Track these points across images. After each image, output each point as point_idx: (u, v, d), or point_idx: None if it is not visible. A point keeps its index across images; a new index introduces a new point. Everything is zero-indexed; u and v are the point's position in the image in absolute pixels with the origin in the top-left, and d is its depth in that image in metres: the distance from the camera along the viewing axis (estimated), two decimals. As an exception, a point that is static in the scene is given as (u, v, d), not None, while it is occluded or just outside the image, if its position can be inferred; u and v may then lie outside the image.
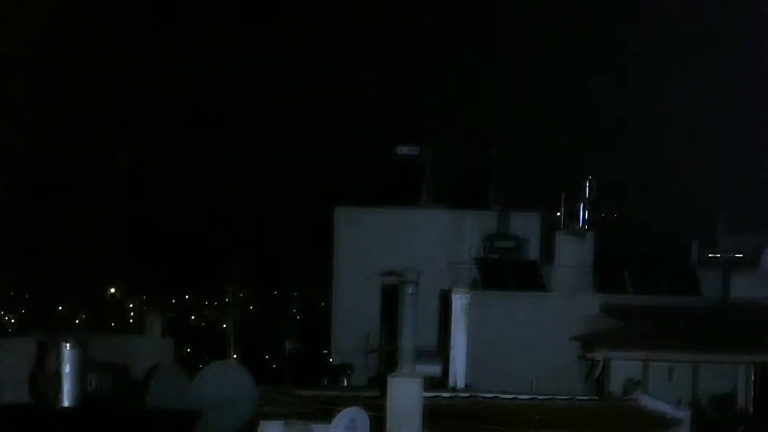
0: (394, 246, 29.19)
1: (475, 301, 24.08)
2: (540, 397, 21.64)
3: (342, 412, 18.48)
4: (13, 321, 70.04)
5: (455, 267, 29.36)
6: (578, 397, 22.20)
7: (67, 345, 19.16)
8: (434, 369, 23.44)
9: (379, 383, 19.91)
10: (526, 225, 30.71)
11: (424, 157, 31.77)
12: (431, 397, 20.08)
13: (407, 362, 19.07)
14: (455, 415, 20.26)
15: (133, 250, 73.02)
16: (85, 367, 19.48)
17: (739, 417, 24.96)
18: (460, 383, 23.25)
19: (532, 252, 30.36)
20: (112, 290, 71.18)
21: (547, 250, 29.90)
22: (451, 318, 23.76)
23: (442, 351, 24.33)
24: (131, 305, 67.33)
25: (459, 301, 23.55)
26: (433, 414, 19.13)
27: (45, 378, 19.38)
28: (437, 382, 22.94)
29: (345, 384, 27.91)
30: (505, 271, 29.06)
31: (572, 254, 28.95)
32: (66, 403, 19.03)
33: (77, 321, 66.26)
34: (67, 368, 19.06)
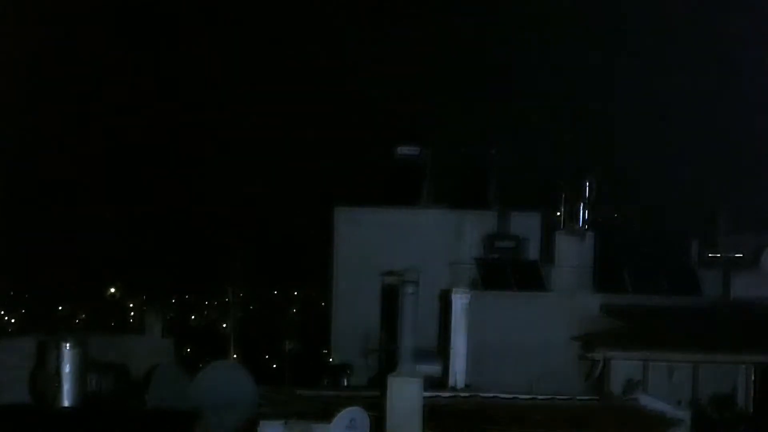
0: (394, 246, 29.19)
1: (475, 301, 24.09)
2: (540, 397, 21.66)
3: (342, 412, 18.49)
4: (13, 321, 70.03)
5: (455, 267, 29.35)
6: (578, 397, 22.21)
7: (67, 345, 19.19)
8: (434, 369, 23.46)
9: (379, 383, 19.92)
10: (526, 225, 30.70)
11: (424, 157, 31.76)
12: (431, 397, 20.09)
13: (407, 362, 19.09)
14: (455, 415, 20.27)
15: (133, 250, 73.02)
16: (85, 367, 19.50)
17: (739, 417, 24.96)
18: (460, 383, 23.25)
19: (532, 252, 30.36)
20: (112, 290, 71.15)
21: (547, 250, 29.89)
22: (451, 318, 23.77)
23: (442, 351, 24.34)
24: (131, 305, 67.29)
25: (459, 301, 23.56)
26: (433, 414, 19.14)
27: (45, 378, 19.40)
28: (437, 382, 22.95)
29: (345, 384, 27.92)
30: (505, 271, 29.05)
31: (572, 254, 28.95)
32: (66, 403, 19.05)
33: (77, 321, 66.23)
34: (67, 368, 19.09)
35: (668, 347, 25.55)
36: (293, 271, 66.70)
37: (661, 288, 29.04)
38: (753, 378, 25.88)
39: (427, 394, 19.37)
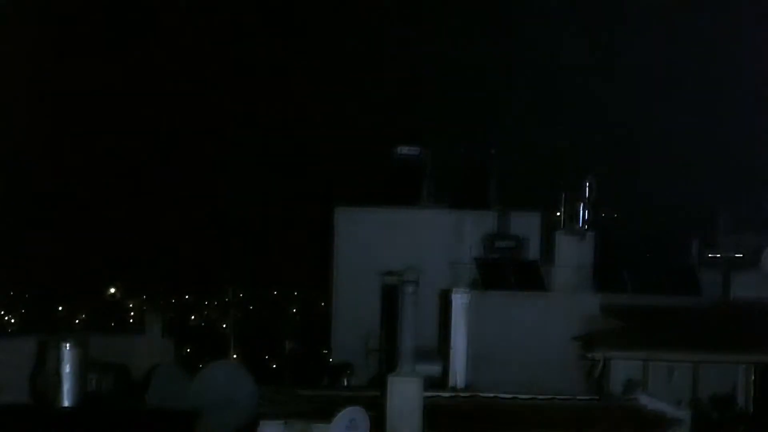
0: (394, 246, 29.18)
1: (475, 301, 24.11)
2: (540, 397, 21.66)
3: (342, 412, 18.51)
4: (13, 321, 70.01)
5: (455, 267, 29.35)
6: (578, 397, 22.22)
7: (67, 345, 19.20)
8: (434, 369, 23.48)
9: (379, 383, 19.93)
10: (526, 225, 30.70)
11: (424, 157, 31.76)
12: (431, 397, 20.09)
13: (407, 362, 19.10)
14: (455, 415, 20.28)
15: (133, 250, 73.03)
16: (85, 367, 19.51)
17: (739, 417, 24.96)
18: (460, 383, 23.27)
19: (532, 252, 30.35)
20: (112, 290, 71.12)
21: (547, 250, 29.89)
22: (451, 318, 23.78)
23: (442, 351, 24.35)
24: (131, 305, 67.29)
25: (459, 301, 23.58)
26: (433, 414, 19.15)
27: (45, 378, 19.41)
28: (437, 382, 22.96)
29: (345, 384, 27.93)
30: (505, 271, 29.04)
31: (572, 254, 28.93)
32: (66, 403, 19.06)
33: (77, 321, 66.22)
34: (67, 368, 19.10)
35: (668, 347, 25.54)
36: (293, 271, 66.69)
37: (661, 288, 29.01)
38: (753, 378, 25.87)
39: (427, 394, 19.38)
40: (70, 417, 18.76)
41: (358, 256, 30.17)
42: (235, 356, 40.55)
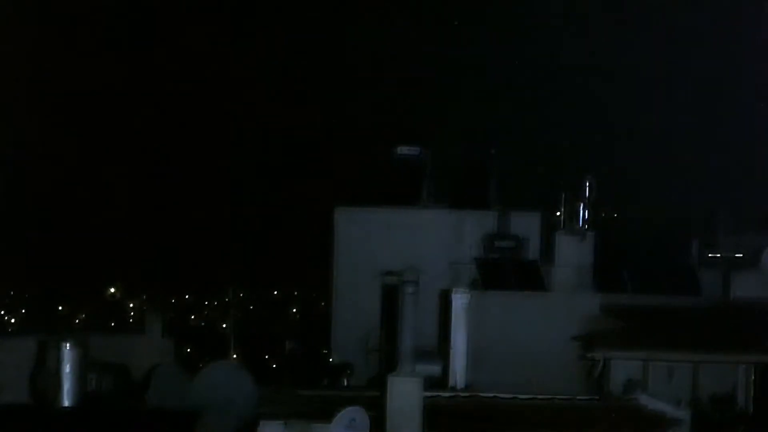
0: (394, 246, 29.20)
1: (475, 301, 24.11)
2: (540, 397, 21.66)
3: (342, 412, 18.51)
4: (13, 321, 70.00)
5: (455, 267, 29.36)
6: (578, 397, 22.22)
7: (67, 345, 19.20)
8: (434, 369, 23.50)
9: (379, 383, 19.93)
10: (526, 225, 30.71)
11: (424, 157, 31.77)
12: (431, 397, 20.10)
13: (407, 362, 19.11)
14: (455, 415, 20.28)
15: (133, 250, 73.00)
16: (85, 367, 19.51)
17: (739, 417, 24.96)
18: (460, 383, 23.28)
19: (532, 252, 30.36)
20: (112, 290, 71.11)
21: (547, 250, 29.90)
22: (451, 318, 23.78)
23: (442, 351, 24.36)
24: (131, 305, 67.29)
25: (459, 301, 23.59)
26: (433, 414, 19.15)
27: (45, 378, 19.41)
28: (437, 382, 22.96)
29: (345, 384, 27.93)
30: (505, 271, 29.05)
31: (572, 254, 28.94)
32: (66, 403, 19.07)
33: (77, 321, 66.21)
34: (67, 368, 19.11)
35: (668, 347, 25.53)
36: (293, 271, 66.69)
37: (661, 288, 29.01)
38: (753, 378, 25.87)
39: (427, 394, 19.38)
40: (70, 417, 18.76)
41: (358, 256, 30.18)
42: (235, 356, 40.54)
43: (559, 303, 27.65)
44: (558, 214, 30.00)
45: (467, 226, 30.57)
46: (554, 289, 28.62)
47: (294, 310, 71.53)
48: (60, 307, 70.97)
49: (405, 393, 18.77)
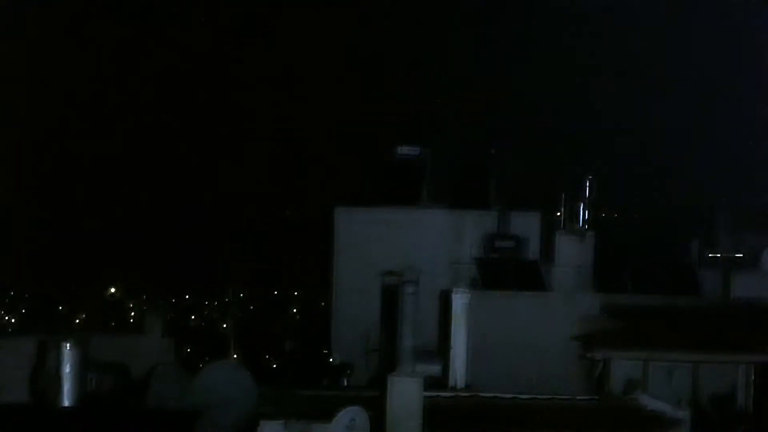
0: (394, 246, 29.20)
1: (475, 301, 24.10)
2: (540, 397, 21.67)
3: (342, 412, 18.52)
4: (13, 321, 70.00)
5: (455, 267, 29.36)
6: (578, 397, 22.22)
7: (67, 345, 19.20)
8: (434, 369, 23.49)
9: (379, 383, 19.93)
10: (526, 225, 30.70)
11: (424, 157, 31.78)
12: (431, 397, 20.10)
13: (407, 362, 19.15)
14: (455, 415, 20.28)
15: (133, 250, 72.98)
16: (85, 367, 19.52)
17: (739, 417, 24.96)
18: (460, 383, 23.27)
19: (532, 252, 30.36)
20: (112, 290, 71.11)
21: (547, 250, 29.90)
22: (451, 318, 23.78)
23: (442, 351, 24.35)
24: (131, 305, 67.29)
25: (459, 301, 23.58)
26: (433, 414, 19.15)
27: (45, 378, 19.42)
28: (437, 382, 22.96)
29: (345, 384, 27.93)
30: (505, 271, 29.05)
31: (572, 254, 28.95)
32: (66, 403, 19.07)
33: (77, 321, 66.22)
34: (67, 368, 19.11)
35: (668, 347, 25.54)
36: (293, 271, 66.69)
37: (661, 288, 29.02)
38: (753, 378, 25.87)
39: (427, 394, 19.38)
40: (70, 417, 18.76)
41: (358, 256, 30.18)
42: (235, 356, 40.55)
43: (559, 303, 27.66)
44: (558, 214, 30.01)
45: (467, 226, 30.57)
46: (554, 289, 28.63)
47: (294, 310, 71.51)
48: (60, 307, 70.97)
49: (405, 393, 18.77)
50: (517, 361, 25.87)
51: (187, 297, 75.89)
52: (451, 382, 23.34)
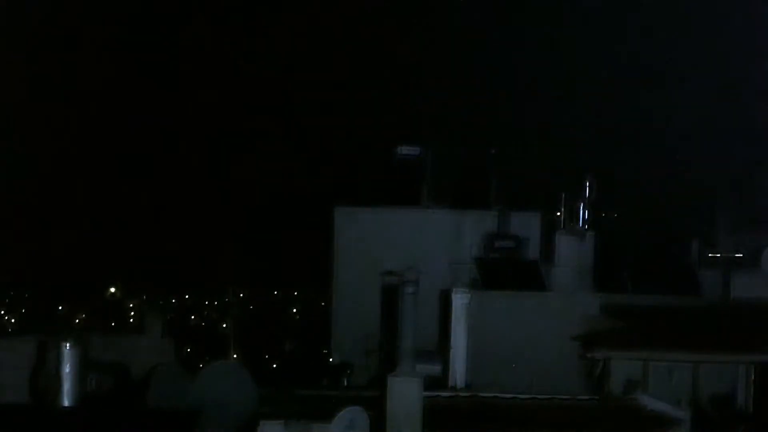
0: (394, 246, 29.19)
1: (475, 301, 24.08)
2: (540, 397, 21.66)
3: (342, 412, 18.51)
4: (13, 321, 70.06)
5: (455, 267, 29.35)
6: (578, 397, 22.22)
7: (67, 345, 19.20)
8: (434, 369, 23.47)
9: (379, 383, 19.93)
10: (526, 225, 30.70)
11: (424, 157, 31.77)
12: (431, 396, 20.09)
13: (407, 362, 19.11)
14: (455, 415, 20.28)
15: (133, 250, 73.02)
16: (84, 366, 19.52)
17: (739, 417, 24.96)
18: (460, 383, 23.26)
19: (532, 252, 30.35)
20: (112, 290, 71.16)
21: (547, 250, 29.89)
22: (451, 318, 23.76)
23: (442, 351, 24.34)
24: (131, 305, 67.35)
25: (459, 301, 23.56)
26: (433, 414, 19.15)
27: (45, 378, 19.43)
28: (437, 382, 22.95)
29: (345, 384, 27.93)
30: (505, 271, 29.05)
31: (572, 254, 28.95)
32: (66, 403, 19.07)
33: (77, 321, 66.27)
34: (67, 368, 19.11)
35: (668, 347, 25.53)
36: (293, 271, 66.71)
37: (661, 288, 29.02)
38: (753, 378, 25.86)
39: (427, 394, 19.38)
40: (70, 417, 18.76)
41: (358, 256, 30.17)
42: (235, 356, 40.57)
43: (559, 303, 27.65)
44: (558, 214, 30.00)
45: (467, 226, 30.56)
46: (554, 289, 28.62)
47: (294, 310, 71.58)
48: (60, 307, 71.02)
49: (405, 393, 18.77)
50: (517, 361, 25.87)
51: (187, 297, 75.96)
52: (451, 382, 23.32)
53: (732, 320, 27.06)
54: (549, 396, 21.68)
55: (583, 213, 29.43)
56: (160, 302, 62.57)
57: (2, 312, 71.89)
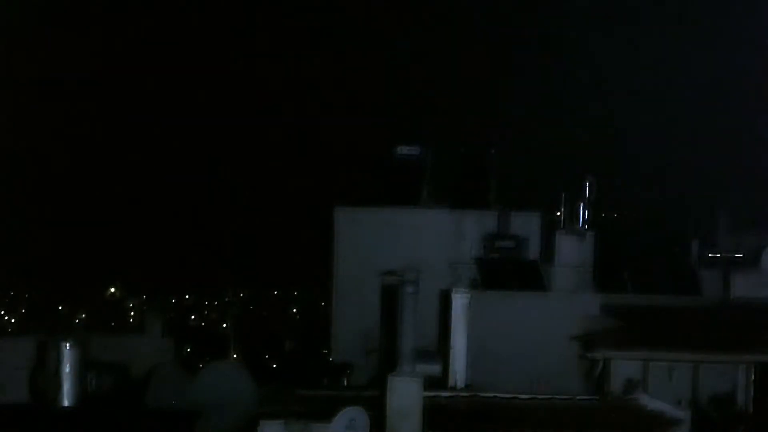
0: (394, 246, 29.19)
1: (475, 301, 24.08)
2: (540, 397, 21.67)
3: (342, 412, 18.53)
4: (13, 321, 70.06)
5: (455, 267, 29.35)
6: (578, 397, 22.22)
7: (67, 345, 19.22)
8: (434, 369, 23.46)
9: (379, 383, 19.94)
10: (526, 225, 30.69)
11: (424, 157, 31.76)
12: (431, 396, 20.10)
13: (407, 362, 19.12)
14: (455, 415, 20.29)
15: (133, 250, 73.05)
16: (85, 367, 19.53)
17: (739, 417, 24.96)
18: (460, 383, 23.25)
19: (532, 252, 30.35)
20: (112, 290, 71.18)
21: (547, 250, 29.89)
22: (451, 318, 23.76)
23: (442, 351, 24.34)
24: (131, 305, 67.37)
25: (459, 301, 23.55)
26: (433, 414, 19.16)
27: (45, 378, 19.43)
28: (437, 382, 22.95)
29: (345, 384, 27.93)
30: (505, 271, 29.05)
31: (572, 254, 28.93)
32: (66, 403, 19.08)
33: (77, 321, 66.29)
34: (67, 368, 19.12)
35: (668, 347, 25.54)
36: (293, 271, 66.75)
37: (661, 288, 29.03)
38: (753, 378, 25.86)
39: (427, 394, 19.39)
40: (70, 417, 18.77)
41: (358, 256, 30.16)
42: (235, 356, 40.56)
43: (559, 303, 27.66)
44: (558, 214, 30.00)
45: (467, 226, 30.56)
46: (554, 289, 28.62)
47: (294, 310, 71.57)
48: (60, 307, 71.05)
49: (405, 393, 18.78)
50: (517, 361, 25.87)
51: (187, 297, 75.99)
52: (451, 382, 23.31)
53: (732, 320, 27.07)
54: (549, 396, 21.69)
55: (583, 213, 29.42)
56: (160, 302, 62.52)
57: (2, 312, 71.90)
